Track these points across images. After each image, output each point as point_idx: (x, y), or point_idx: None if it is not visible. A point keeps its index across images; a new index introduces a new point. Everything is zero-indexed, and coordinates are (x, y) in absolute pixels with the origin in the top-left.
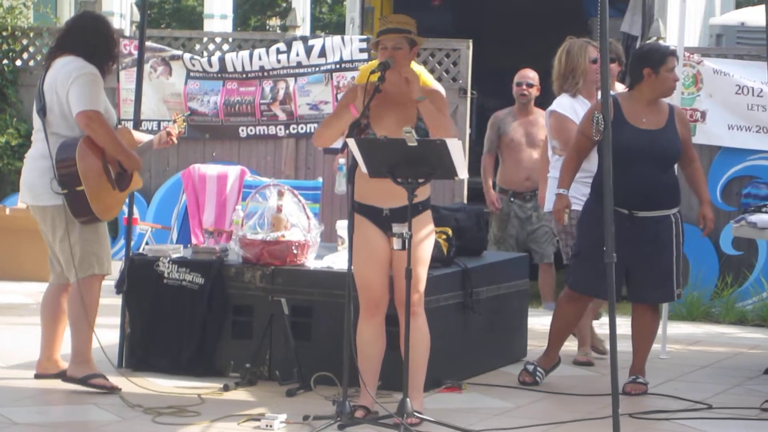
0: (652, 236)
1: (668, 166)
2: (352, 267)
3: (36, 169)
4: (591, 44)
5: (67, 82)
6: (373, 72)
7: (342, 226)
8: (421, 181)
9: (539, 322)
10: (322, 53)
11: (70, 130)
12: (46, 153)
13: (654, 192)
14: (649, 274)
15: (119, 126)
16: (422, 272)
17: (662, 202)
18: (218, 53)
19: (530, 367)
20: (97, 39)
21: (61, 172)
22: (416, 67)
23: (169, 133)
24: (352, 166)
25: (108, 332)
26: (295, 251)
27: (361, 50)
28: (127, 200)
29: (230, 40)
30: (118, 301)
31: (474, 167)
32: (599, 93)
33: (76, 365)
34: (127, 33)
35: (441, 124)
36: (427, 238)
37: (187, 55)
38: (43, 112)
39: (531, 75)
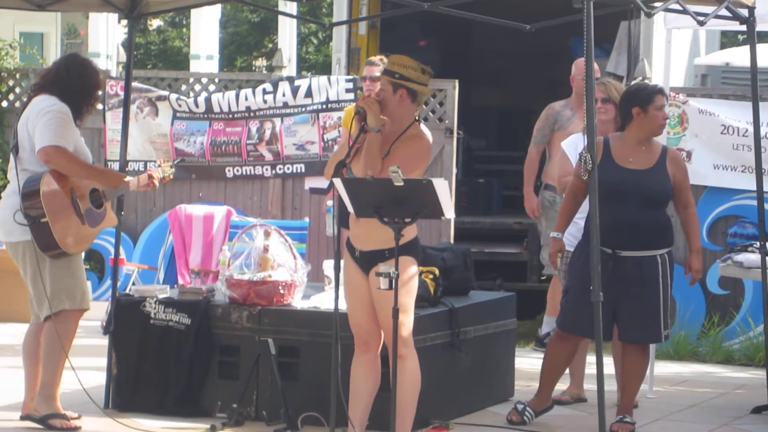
0: (636, 276)
1: (655, 206)
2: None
3: (8, 206)
4: (603, 84)
5: (37, 119)
6: (357, 113)
7: (329, 266)
8: (407, 220)
9: (527, 362)
10: (309, 93)
11: (40, 166)
12: (17, 189)
13: (637, 232)
14: (634, 315)
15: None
16: (404, 318)
17: (646, 242)
18: (204, 94)
19: (520, 407)
20: (74, 80)
21: (26, 204)
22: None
23: (150, 176)
24: (341, 205)
25: (95, 373)
26: (281, 291)
27: (347, 90)
28: (113, 241)
29: (216, 80)
30: (104, 341)
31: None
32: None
33: (39, 399)
34: (113, 74)
35: (370, 161)
36: (407, 282)
37: (173, 96)
38: (15, 149)
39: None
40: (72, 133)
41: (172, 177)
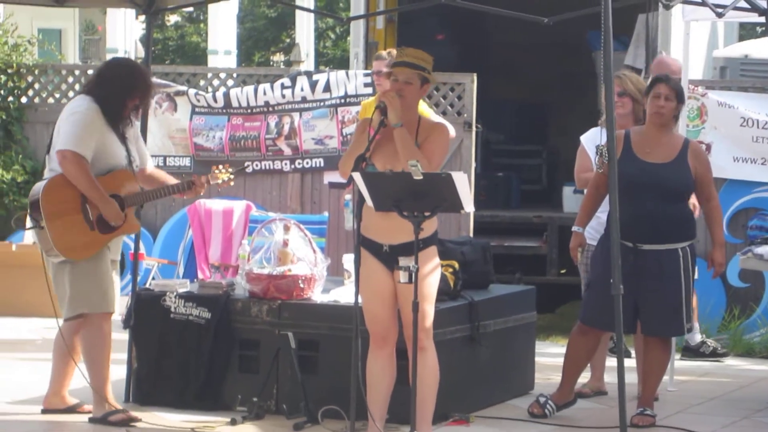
0: (656, 269)
1: (675, 200)
2: (359, 300)
3: None
4: (619, 77)
5: (65, 119)
6: (377, 107)
7: (348, 260)
8: (427, 214)
9: (547, 355)
10: (327, 88)
11: None
12: None
13: (657, 225)
14: (655, 308)
15: (121, 169)
16: (428, 308)
17: (667, 236)
18: (223, 89)
19: (542, 400)
20: (111, 82)
21: (32, 207)
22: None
23: (193, 183)
24: (359, 200)
25: (115, 367)
26: (301, 285)
27: (366, 85)
28: (133, 236)
29: (235, 75)
30: (125, 336)
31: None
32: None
33: (94, 404)
34: None
35: (408, 155)
36: (431, 273)
37: (192, 91)
38: (48, 149)
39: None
40: (97, 136)
41: (232, 182)
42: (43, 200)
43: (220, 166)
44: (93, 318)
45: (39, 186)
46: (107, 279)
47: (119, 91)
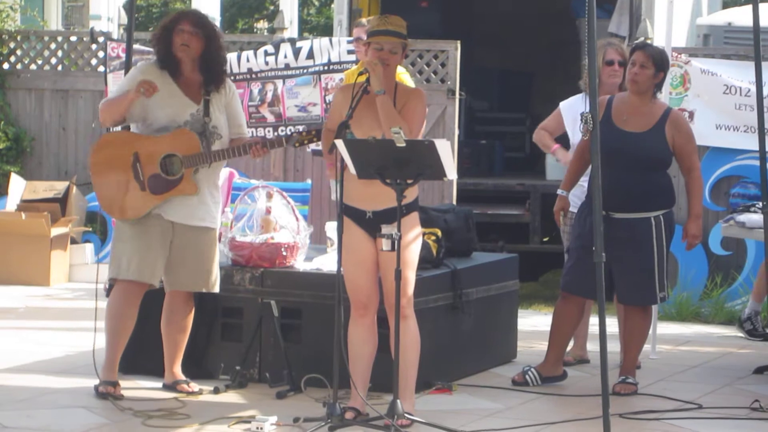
0: (628, 238)
1: (648, 169)
2: (341, 268)
3: None
4: (611, 46)
5: None
6: (361, 73)
7: (331, 228)
8: (409, 182)
9: (529, 324)
10: (310, 55)
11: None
12: None
13: (629, 194)
14: (628, 276)
15: (181, 128)
16: (410, 275)
17: (639, 205)
18: None
19: (526, 368)
20: (156, 32)
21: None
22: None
23: (251, 146)
24: (340, 167)
25: (99, 335)
26: (284, 253)
27: (349, 52)
28: None
29: None
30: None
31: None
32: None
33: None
34: (114, 36)
35: (391, 121)
36: (414, 240)
37: None
38: None
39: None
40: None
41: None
42: (91, 157)
43: (301, 131)
44: (120, 284)
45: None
46: (144, 246)
47: (159, 41)
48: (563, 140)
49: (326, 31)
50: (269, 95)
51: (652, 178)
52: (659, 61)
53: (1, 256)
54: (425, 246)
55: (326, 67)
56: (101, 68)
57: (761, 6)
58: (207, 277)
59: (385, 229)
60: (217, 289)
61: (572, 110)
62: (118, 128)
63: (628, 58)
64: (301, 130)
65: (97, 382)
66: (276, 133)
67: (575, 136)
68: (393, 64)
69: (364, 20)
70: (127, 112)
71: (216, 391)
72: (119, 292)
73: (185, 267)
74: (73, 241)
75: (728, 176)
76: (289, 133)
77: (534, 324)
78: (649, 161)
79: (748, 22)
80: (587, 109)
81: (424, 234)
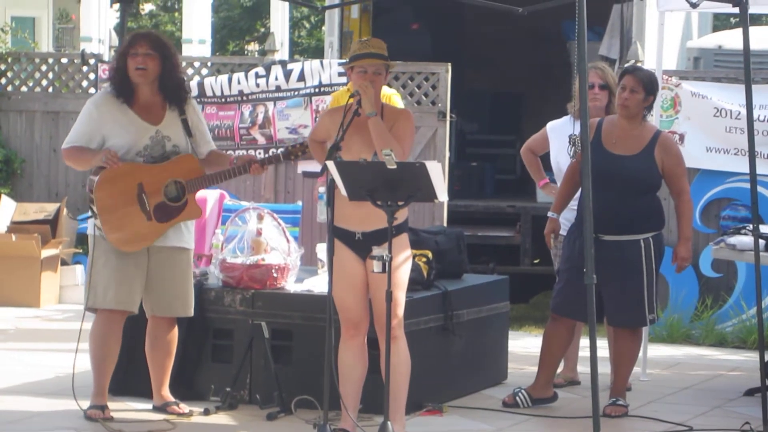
0: (617, 260)
1: (637, 192)
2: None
3: None
4: (593, 69)
5: None
6: (351, 96)
7: (322, 249)
8: (400, 203)
9: (520, 345)
10: (301, 77)
11: None
12: None
13: (619, 217)
14: (617, 298)
15: (184, 154)
16: (401, 296)
17: (628, 227)
18: (197, 78)
19: (516, 390)
20: (113, 60)
21: (90, 200)
22: (386, 89)
23: (249, 165)
24: (330, 188)
25: (84, 357)
26: (275, 274)
27: (340, 74)
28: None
29: (209, 64)
30: None
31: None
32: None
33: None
34: (105, 58)
35: (384, 142)
36: (404, 262)
37: None
38: None
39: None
40: (97, 126)
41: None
42: (96, 194)
43: (295, 144)
44: (101, 313)
45: (94, 179)
46: (119, 273)
47: (116, 62)
48: (547, 158)
49: (317, 53)
50: (260, 117)
51: (642, 200)
52: (649, 85)
53: None
54: (416, 268)
55: (317, 89)
56: (92, 90)
57: (751, 29)
58: (184, 301)
59: (376, 250)
60: (192, 312)
61: (560, 132)
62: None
63: (612, 81)
64: (294, 144)
65: (86, 405)
66: (267, 155)
67: (559, 156)
68: (378, 85)
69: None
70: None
71: (206, 412)
72: (101, 321)
73: (163, 291)
74: (64, 263)
75: (719, 198)
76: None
77: (525, 346)
78: (639, 184)
79: (739, 45)
80: (576, 132)
81: (415, 256)
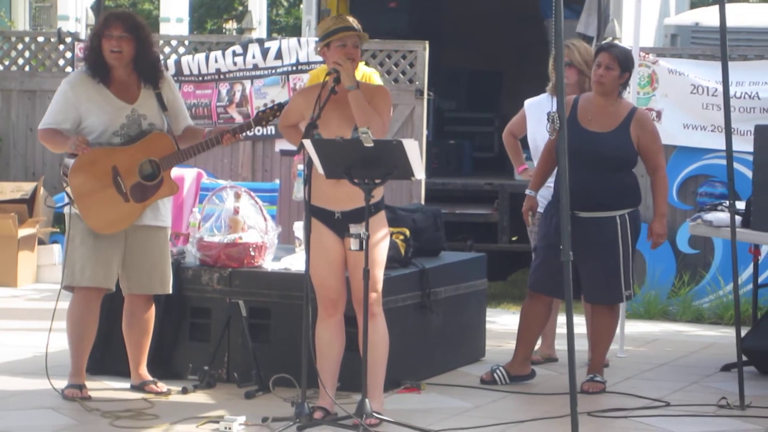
0: (593, 237)
1: (613, 169)
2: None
3: None
4: (567, 47)
5: None
6: (329, 73)
7: (299, 228)
8: (377, 181)
9: (498, 323)
10: (279, 55)
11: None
12: None
13: (594, 193)
14: (594, 275)
15: (155, 132)
16: (379, 273)
17: (604, 204)
18: (174, 56)
19: (494, 367)
20: (87, 40)
21: (65, 183)
22: (365, 68)
23: (221, 136)
24: (308, 167)
25: (59, 338)
26: (252, 253)
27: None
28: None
29: (186, 42)
30: None
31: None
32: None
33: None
34: (82, 36)
35: (365, 116)
36: (382, 239)
37: None
38: None
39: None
40: (72, 106)
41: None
42: (71, 182)
43: (265, 109)
44: (78, 291)
45: (68, 163)
46: (96, 251)
47: (90, 41)
48: (525, 137)
49: (295, 31)
50: (237, 96)
51: (617, 177)
52: (624, 62)
53: None
54: (393, 245)
55: (294, 68)
56: (69, 69)
57: (728, 6)
58: (161, 278)
59: (353, 228)
60: (170, 290)
61: (537, 109)
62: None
63: (578, 58)
64: (264, 108)
65: (61, 384)
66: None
67: (536, 134)
68: (357, 58)
69: None
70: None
71: (184, 391)
72: (78, 300)
73: (140, 269)
74: (41, 242)
75: (696, 175)
76: (257, 132)
77: (502, 323)
78: (614, 161)
79: (716, 22)
80: (554, 109)
81: (392, 234)
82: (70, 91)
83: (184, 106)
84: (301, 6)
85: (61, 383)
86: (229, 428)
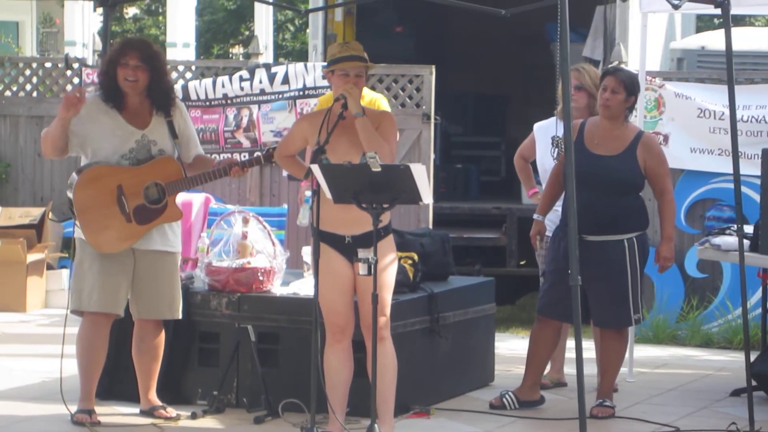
0: (601, 260)
1: (620, 192)
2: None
3: None
4: (577, 70)
5: None
6: (336, 99)
7: (307, 252)
8: (385, 206)
9: (506, 347)
10: (285, 80)
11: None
12: None
13: (601, 217)
14: (602, 299)
15: (164, 156)
16: (387, 297)
17: (611, 227)
18: (181, 81)
19: (503, 392)
20: (103, 65)
21: (70, 200)
22: (372, 94)
23: (230, 167)
24: (316, 192)
25: (70, 362)
26: (260, 278)
27: (324, 77)
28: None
29: (193, 68)
30: None
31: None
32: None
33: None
34: (89, 62)
35: (373, 143)
36: (390, 263)
37: None
38: None
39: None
40: (78, 120)
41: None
42: (75, 195)
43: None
44: (87, 316)
45: (73, 179)
46: (105, 275)
47: (105, 67)
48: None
49: (301, 56)
50: (245, 120)
51: (625, 201)
52: (630, 86)
53: None
54: (402, 270)
55: (301, 92)
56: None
57: (734, 30)
58: (171, 303)
59: (362, 253)
60: (179, 315)
61: (546, 133)
62: (86, 161)
63: (588, 82)
64: (275, 146)
65: (73, 409)
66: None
67: (545, 158)
68: (360, 87)
69: None
70: (67, 139)
71: (193, 416)
72: (87, 325)
73: (149, 294)
74: (50, 267)
75: (703, 199)
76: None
77: (511, 347)
78: (621, 185)
79: (722, 46)
80: (559, 133)
81: (400, 258)
82: (84, 111)
83: (196, 134)
84: (308, 31)
85: (71, 408)
86: None
